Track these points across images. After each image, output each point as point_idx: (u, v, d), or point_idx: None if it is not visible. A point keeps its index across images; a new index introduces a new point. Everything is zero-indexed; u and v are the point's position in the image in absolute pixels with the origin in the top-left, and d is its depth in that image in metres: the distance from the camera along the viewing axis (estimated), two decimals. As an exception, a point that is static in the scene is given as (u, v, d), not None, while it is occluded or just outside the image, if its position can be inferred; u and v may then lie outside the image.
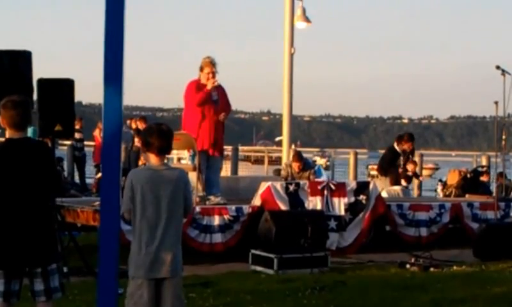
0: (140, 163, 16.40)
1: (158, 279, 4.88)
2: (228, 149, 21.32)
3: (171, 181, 4.95)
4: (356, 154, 23.20)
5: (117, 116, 3.39)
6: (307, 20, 15.19)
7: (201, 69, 10.49)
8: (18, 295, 4.92)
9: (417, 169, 15.76)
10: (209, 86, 10.35)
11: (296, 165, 13.21)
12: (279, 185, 10.47)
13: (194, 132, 10.33)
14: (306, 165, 13.57)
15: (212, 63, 10.46)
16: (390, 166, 14.31)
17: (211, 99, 10.43)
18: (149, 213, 4.89)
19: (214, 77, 10.39)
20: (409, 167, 14.55)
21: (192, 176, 10.44)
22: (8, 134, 4.96)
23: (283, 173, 13.48)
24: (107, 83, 3.36)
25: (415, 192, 19.36)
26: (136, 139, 17.47)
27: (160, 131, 4.97)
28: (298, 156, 13.79)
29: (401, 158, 14.41)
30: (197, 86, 10.44)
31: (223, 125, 10.71)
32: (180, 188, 4.97)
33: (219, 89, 10.57)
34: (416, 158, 21.43)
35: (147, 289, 4.85)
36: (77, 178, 19.44)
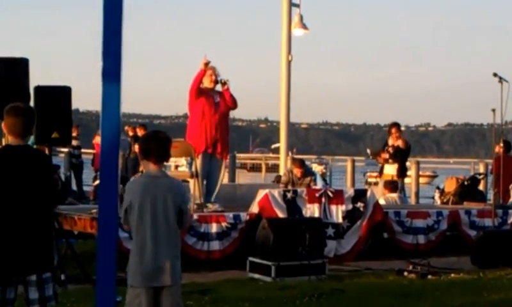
0: (141, 170, 16.37)
1: (156, 288, 4.86)
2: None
3: (168, 189, 4.93)
4: (353, 161, 23.17)
5: (115, 123, 3.37)
6: (304, 27, 15.22)
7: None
8: (13, 303, 4.90)
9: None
10: (210, 84, 10.49)
11: (298, 172, 13.21)
12: (277, 193, 10.47)
13: (198, 135, 10.38)
14: (307, 171, 13.60)
15: (213, 67, 10.60)
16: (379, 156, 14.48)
17: (213, 100, 10.52)
18: (146, 221, 4.87)
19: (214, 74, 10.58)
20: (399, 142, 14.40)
21: (191, 184, 10.46)
22: (7, 140, 4.95)
23: (283, 178, 13.49)
24: (104, 90, 3.35)
25: (412, 200, 19.36)
26: (136, 146, 17.45)
27: (157, 139, 4.97)
28: (300, 162, 13.83)
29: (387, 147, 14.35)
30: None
31: (227, 126, 10.74)
32: (177, 199, 4.94)
33: (221, 94, 10.64)
34: (413, 166, 21.48)
35: (145, 298, 4.83)
36: (74, 186, 19.40)
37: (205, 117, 10.44)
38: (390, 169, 14.23)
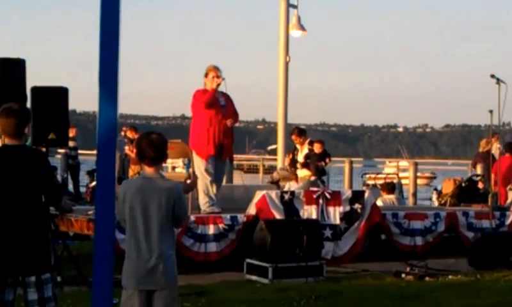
0: (131, 173, 16.33)
1: (149, 290, 4.82)
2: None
3: (163, 191, 4.85)
4: (351, 163, 23.15)
5: (112, 124, 3.36)
6: (302, 28, 15.21)
7: (206, 75, 10.54)
8: (12, 305, 4.88)
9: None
10: (214, 85, 10.38)
11: (317, 147, 13.19)
12: (274, 194, 10.45)
13: (205, 137, 10.31)
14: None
15: (216, 68, 10.53)
16: (292, 161, 14.26)
17: (218, 103, 10.45)
18: (139, 222, 4.82)
19: (218, 78, 10.45)
20: (315, 147, 14.03)
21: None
22: (4, 141, 4.95)
23: (274, 175, 13.44)
24: (101, 91, 3.33)
25: (410, 201, 19.37)
26: (126, 147, 17.38)
27: (150, 141, 4.90)
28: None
29: (296, 151, 14.09)
30: (203, 91, 10.49)
31: (231, 131, 10.71)
32: (171, 199, 4.85)
33: (226, 96, 10.59)
34: (411, 167, 21.43)
35: (138, 300, 4.79)
36: (71, 187, 19.35)
37: (213, 123, 10.36)
38: (304, 171, 13.89)
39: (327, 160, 13.67)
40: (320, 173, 13.65)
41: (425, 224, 11.56)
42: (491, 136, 13.87)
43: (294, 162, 13.92)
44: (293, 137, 13.96)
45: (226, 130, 10.48)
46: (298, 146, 13.84)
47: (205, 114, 10.37)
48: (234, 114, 10.69)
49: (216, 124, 10.36)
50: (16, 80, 8.03)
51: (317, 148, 13.62)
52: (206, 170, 10.31)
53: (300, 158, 13.63)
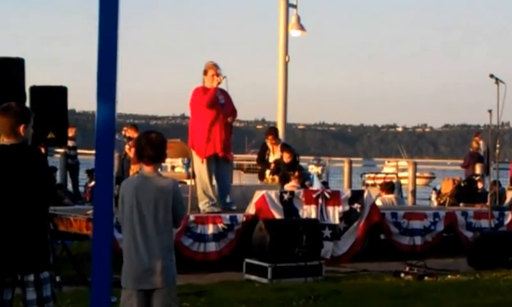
0: (131, 172, 16.29)
1: (147, 290, 4.81)
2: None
3: (160, 189, 4.85)
4: (350, 162, 23.15)
5: (110, 124, 3.36)
6: (302, 28, 15.23)
7: (205, 72, 10.49)
8: (11, 305, 4.86)
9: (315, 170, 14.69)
10: (214, 84, 10.36)
11: (286, 156, 13.03)
12: (273, 194, 10.45)
13: (204, 137, 10.30)
14: (304, 175, 13.46)
15: (215, 65, 10.49)
16: (260, 161, 13.96)
17: (218, 102, 10.42)
18: (136, 221, 4.81)
19: (218, 76, 10.42)
20: (284, 156, 13.45)
21: (188, 185, 10.42)
22: (2, 141, 4.96)
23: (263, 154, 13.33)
24: (99, 91, 3.33)
25: (409, 199, 19.37)
26: (127, 147, 17.34)
27: (149, 140, 4.89)
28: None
29: (268, 151, 13.76)
30: (203, 89, 10.45)
31: (231, 129, 10.70)
32: (169, 197, 4.85)
33: (225, 93, 10.57)
34: (410, 167, 21.40)
35: (136, 300, 4.78)
36: (70, 187, 19.33)
37: (213, 122, 10.33)
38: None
39: (296, 173, 13.12)
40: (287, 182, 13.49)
41: (424, 223, 11.55)
42: (490, 136, 13.85)
43: (262, 161, 13.72)
44: (270, 137, 13.67)
45: (226, 128, 10.49)
46: (270, 147, 13.64)
47: (205, 114, 10.35)
48: (233, 112, 10.69)
49: (216, 123, 10.36)
50: (15, 79, 8.01)
51: (285, 158, 13.24)
52: (205, 170, 10.31)
53: (272, 159, 13.49)
